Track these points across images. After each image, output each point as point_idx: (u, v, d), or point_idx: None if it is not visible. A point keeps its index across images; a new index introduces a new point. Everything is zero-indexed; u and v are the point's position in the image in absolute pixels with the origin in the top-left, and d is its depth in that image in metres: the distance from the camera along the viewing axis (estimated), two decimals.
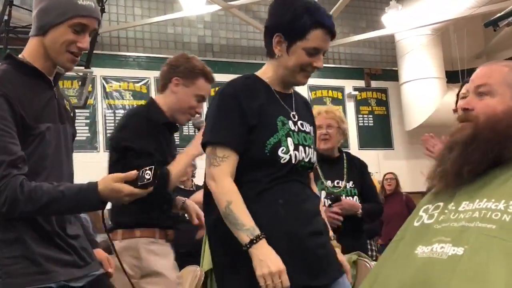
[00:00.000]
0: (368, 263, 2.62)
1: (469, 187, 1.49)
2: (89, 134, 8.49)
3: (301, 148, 2.02)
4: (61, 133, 1.86)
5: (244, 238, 1.86)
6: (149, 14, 9.16)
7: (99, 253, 2.05)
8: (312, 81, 9.27)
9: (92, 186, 1.72)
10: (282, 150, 1.97)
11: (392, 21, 9.18)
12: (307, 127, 2.11)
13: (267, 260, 1.82)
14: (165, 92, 2.66)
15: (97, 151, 8.42)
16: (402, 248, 1.52)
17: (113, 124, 8.67)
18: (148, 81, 8.78)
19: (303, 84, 2.08)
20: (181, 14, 8.74)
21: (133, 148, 2.45)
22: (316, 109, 3.12)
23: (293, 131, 2.03)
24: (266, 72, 2.11)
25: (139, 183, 1.71)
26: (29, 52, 1.84)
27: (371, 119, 10.27)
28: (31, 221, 1.74)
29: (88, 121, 8.49)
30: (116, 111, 8.73)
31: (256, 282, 1.83)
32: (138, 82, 8.78)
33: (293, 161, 1.99)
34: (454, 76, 10.17)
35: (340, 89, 10.06)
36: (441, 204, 1.53)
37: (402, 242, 1.56)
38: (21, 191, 1.66)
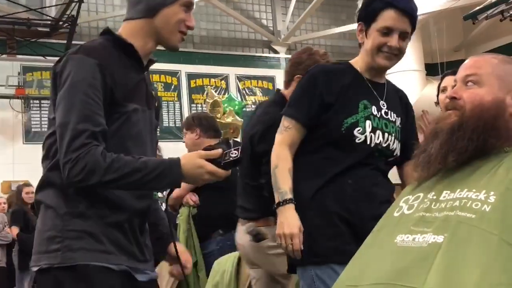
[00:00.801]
0: None
1: (451, 177, 1.49)
2: None
3: (379, 132, 2.08)
4: (147, 117, 1.82)
5: (276, 199, 2.05)
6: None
7: (179, 246, 1.95)
8: None
9: (175, 159, 1.68)
10: (358, 130, 2.05)
11: None
12: (393, 117, 2.15)
13: (285, 222, 1.99)
14: (289, 89, 2.65)
15: None
16: (382, 237, 1.53)
17: None
18: None
19: (386, 66, 2.13)
20: None
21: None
22: None
23: (375, 115, 2.09)
24: (357, 61, 2.21)
25: (222, 162, 1.66)
26: (128, 31, 1.79)
27: None
28: (103, 200, 1.68)
29: None
30: None
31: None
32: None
33: (368, 142, 2.06)
34: (434, 69, 10.25)
35: None
36: (421, 194, 1.53)
37: (382, 232, 1.56)
38: (104, 160, 1.60)
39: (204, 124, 3.60)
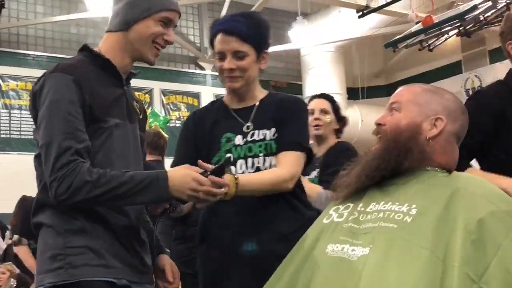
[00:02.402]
0: None
1: (378, 190, 1.58)
2: None
3: (241, 161, 2.03)
4: (129, 131, 1.83)
5: None
6: (51, 12, 8.84)
7: (164, 258, 1.95)
8: (218, 90, 9.31)
9: (163, 171, 1.69)
10: None
11: (298, 36, 9.39)
12: (261, 134, 2.06)
13: None
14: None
15: None
16: (310, 245, 1.58)
17: (7, 125, 8.26)
18: None
19: (234, 88, 2.08)
20: (86, 15, 8.49)
21: None
22: None
23: (237, 145, 2.05)
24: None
25: (208, 172, 1.66)
26: (107, 46, 1.83)
27: None
28: (99, 214, 1.70)
29: None
30: (12, 111, 8.34)
31: None
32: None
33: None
34: (355, 93, 10.56)
35: None
36: (351, 204, 1.61)
37: (309, 239, 1.61)
38: (90, 176, 1.61)
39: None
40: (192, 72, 10.00)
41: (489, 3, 6.50)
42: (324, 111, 3.06)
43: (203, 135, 2.10)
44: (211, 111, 2.16)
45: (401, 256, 1.32)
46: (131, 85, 1.97)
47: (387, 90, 10.50)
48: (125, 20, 1.80)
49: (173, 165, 2.03)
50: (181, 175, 1.65)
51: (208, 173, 1.66)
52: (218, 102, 2.21)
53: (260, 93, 2.16)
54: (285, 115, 2.08)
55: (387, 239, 1.37)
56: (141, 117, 1.96)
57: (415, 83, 1.78)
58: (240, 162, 2.03)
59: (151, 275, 1.88)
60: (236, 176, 1.82)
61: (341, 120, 3.13)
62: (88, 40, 8.92)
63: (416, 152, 1.57)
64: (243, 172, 2.01)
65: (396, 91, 1.72)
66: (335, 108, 3.12)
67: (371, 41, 9.93)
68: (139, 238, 1.81)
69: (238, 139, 2.06)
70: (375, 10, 8.00)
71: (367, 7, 8.23)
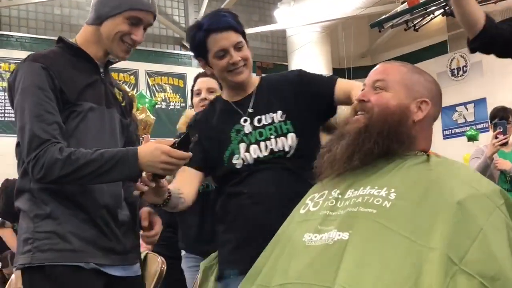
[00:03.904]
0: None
1: (356, 176, 1.54)
2: None
3: (254, 146, 2.08)
4: (105, 115, 1.88)
5: None
6: None
7: (141, 211, 1.97)
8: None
9: (133, 148, 1.73)
10: (236, 157, 2.08)
11: (284, 17, 9.34)
12: (268, 118, 2.11)
13: None
14: None
15: None
16: (289, 235, 1.55)
17: None
18: None
19: (242, 80, 2.12)
20: None
21: None
22: None
23: (247, 133, 2.10)
24: (223, 90, 2.28)
25: (175, 143, 1.71)
26: (82, 38, 1.93)
27: None
28: (71, 198, 1.76)
29: None
30: None
31: None
32: None
33: (246, 163, 2.07)
34: (341, 73, 10.53)
35: None
36: (326, 192, 1.57)
37: (289, 228, 1.58)
38: (60, 153, 1.68)
39: None
40: (178, 53, 9.93)
41: None
42: (211, 90, 2.94)
43: (210, 134, 2.13)
44: (212, 111, 2.21)
45: (382, 244, 1.30)
46: (117, 66, 1.99)
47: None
48: (98, 16, 1.89)
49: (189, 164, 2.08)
50: (150, 150, 1.69)
51: (176, 144, 1.71)
52: (217, 101, 2.26)
53: (255, 80, 2.21)
54: (300, 86, 2.15)
55: (368, 226, 1.35)
56: (123, 104, 2.01)
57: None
58: (253, 147, 2.07)
59: (134, 255, 1.91)
60: None
61: None
62: (71, 21, 8.82)
63: (405, 137, 1.53)
64: (257, 157, 2.06)
65: (379, 68, 1.66)
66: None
67: (357, 21, 9.91)
68: (116, 218, 1.85)
69: (247, 128, 2.11)
70: None
71: None
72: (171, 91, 9.85)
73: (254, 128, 2.10)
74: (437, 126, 9.80)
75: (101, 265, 1.76)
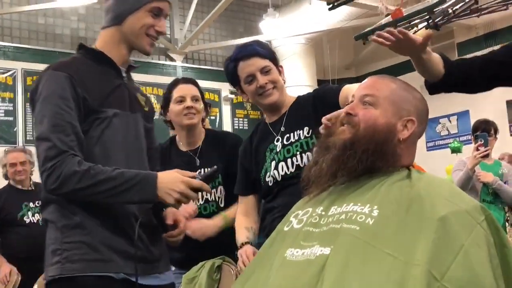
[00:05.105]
0: (232, 269, 2.56)
1: (339, 192, 1.54)
2: None
3: (282, 164, 2.23)
4: (130, 120, 1.86)
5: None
6: (18, 2, 8.64)
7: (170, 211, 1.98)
8: None
9: (153, 172, 1.72)
10: (268, 175, 2.29)
11: (269, 28, 9.37)
12: (296, 135, 2.25)
13: None
14: None
15: None
16: (272, 252, 1.54)
17: None
18: (14, 72, 8.24)
19: (273, 102, 2.29)
20: (53, 5, 8.33)
21: None
22: None
23: (277, 152, 2.26)
24: None
25: (197, 178, 1.71)
26: (102, 42, 1.90)
27: (246, 122, 10.40)
28: (98, 208, 1.72)
29: None
30: None
31: None
32: (3, 73, 8.22)
33: (275, 180, 2.26)
34: None
35: (217, 92, 10.10)
36: (310, 209, 1.56)
37: (273, 246, 1.57)
38: (79, 166, 1.65)
39: None
40: (163, 64, 9.92)
41: None
42: (196, 98, 2.81)
43: (251, 157, 2.35)
44: (255, 133, 2.41)
45: (364, 261, 1.30)
46: None
47: (357, 82, 10.49)
48: (117, 14, 1.87)
49: (237, 189, 2.46)
50: (171, 177, 1.68)
51: (200, 177, 1.70)
52: (260, 123, 2.45)
53: (290, 99, 2.36)
54: (316, 99, 2.28)
55: (350, 242, 1.35)
56: (147, 109, 2.00)
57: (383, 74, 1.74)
58: (281, 164, 2.23)
59: (164, 262, 1.89)
60: None
61: (206, 107, 2.93)
62: (55, 31, 8.77)
63: (390, 156, 1.53)
64: (285, 173, 2.22)
65: (369, 82, 1.66)
66: (202, 95, 2.90)
67: (342, 34, 9.96)
68: (145, 226, 1.79)
69: (278, 146, 2.26)
70: (345, 2, 8.01)
71: None
72: (155, 101, 9.83)
73: (283, 146, 2.24)
74: (421, 138, 9.85)
75: (131, 274, 1.72)
